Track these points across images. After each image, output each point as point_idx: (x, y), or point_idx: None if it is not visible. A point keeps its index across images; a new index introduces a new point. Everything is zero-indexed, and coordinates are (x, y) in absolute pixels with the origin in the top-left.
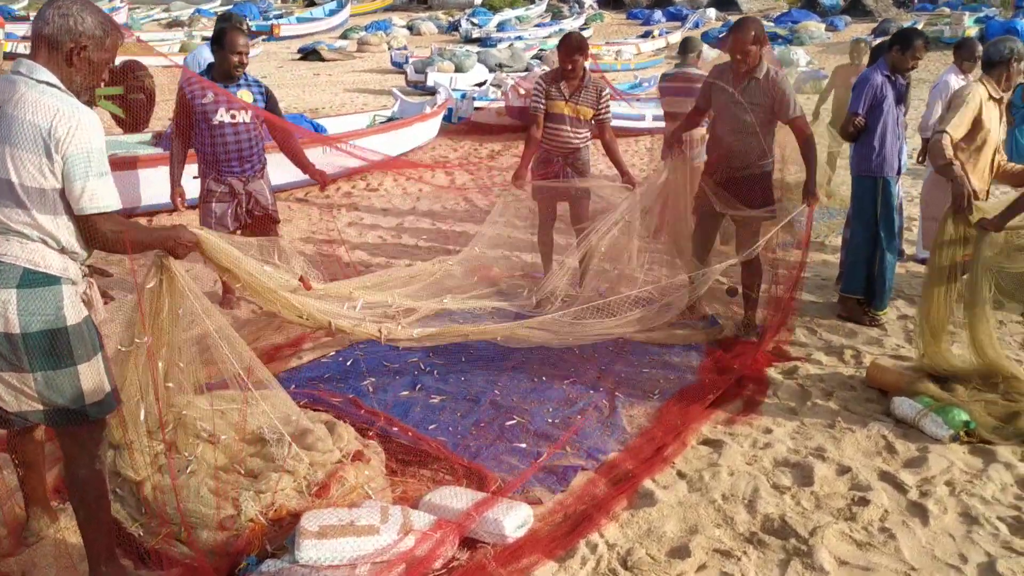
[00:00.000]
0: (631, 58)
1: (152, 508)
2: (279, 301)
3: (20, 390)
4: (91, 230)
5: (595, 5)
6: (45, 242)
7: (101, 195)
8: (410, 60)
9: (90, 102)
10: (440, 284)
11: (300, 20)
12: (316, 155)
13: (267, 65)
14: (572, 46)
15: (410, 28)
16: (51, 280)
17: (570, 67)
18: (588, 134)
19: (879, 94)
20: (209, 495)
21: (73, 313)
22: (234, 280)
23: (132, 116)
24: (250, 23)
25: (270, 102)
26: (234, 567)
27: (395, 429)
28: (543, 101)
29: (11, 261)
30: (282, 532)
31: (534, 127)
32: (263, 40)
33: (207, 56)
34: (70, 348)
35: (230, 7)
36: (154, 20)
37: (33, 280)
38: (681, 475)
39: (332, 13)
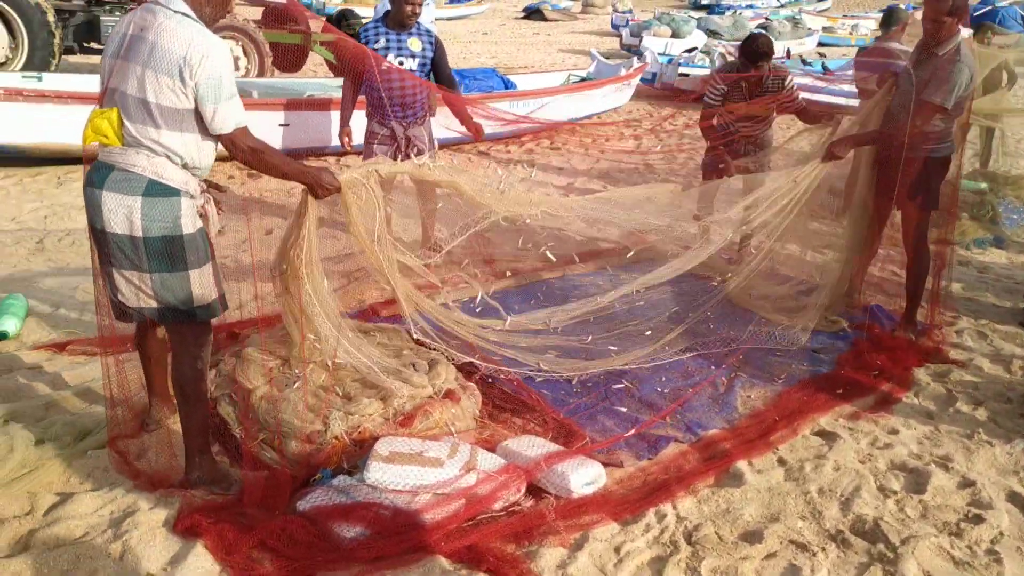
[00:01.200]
0: (867, 33)
1: (256, 414)
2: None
3: (139, 287)
4: (230, 146)
5: None
6: (169, 157)
7: (232, 114)
8: (628, 23)
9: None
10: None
11: None
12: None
13: (490, 22)
14: (756, 53)
15: None
16: (172, 191)
17: (752, 71)
18: (772, 121)
19: None
20: (305, 411)
21: (189, 223)
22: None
23: (343, 61)
24: None
25: (438, 51)
26: (312, 476)
27: (502, 376)
28: (722, 102)
29: (139, 172)
30: (361, 452)
31: (706, 121)
32: None
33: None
34: (184, 254)
35: None
36: None
37: (157, 190)
38: (782, 462)
39: None
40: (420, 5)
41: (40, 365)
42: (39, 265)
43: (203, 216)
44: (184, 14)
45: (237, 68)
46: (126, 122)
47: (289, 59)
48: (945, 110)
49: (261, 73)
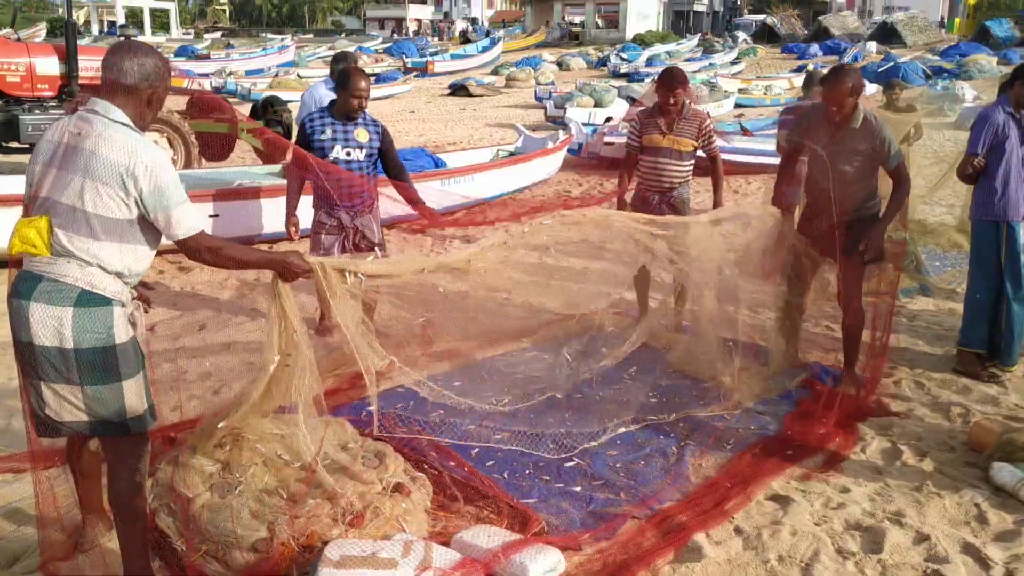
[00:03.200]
0: (781, 93)
1: (197, 524)
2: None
3: (69, 401)
4: (189, 251)
5: (749, 40)
6: (102, 267)
7: (185, 220)
8: (552, 95)
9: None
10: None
11: (454, 57)
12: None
13: (417, 100)
14: (675, 79)
15: (560, 64)
16: (104, 301)
17: (671, 101)
18: (689, 168)
19: (1001, 133)
20: (248, 517)
21: (122, 333)
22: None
23: (270, 148)
24: (406, 60)
25: (385, 140)
26: None
27: (451, 463)
28: (638, 138)
29: (70, 282)
30: (310, 558)
31: (627, 165)
32: (415, 76)
33: (323, 93)
34: (117, 365)
35: (389, 45)
36: (319, 58)
37: (88, 300)
38: (739, 531)
39: (485, 50)
40: (367, 98)
41: None
42: None
43: (133, 324)
44: (123, 123)
45: None
46: (58, 231)
47: (216, 148)
48: (905, 164)
49: (188, 164)
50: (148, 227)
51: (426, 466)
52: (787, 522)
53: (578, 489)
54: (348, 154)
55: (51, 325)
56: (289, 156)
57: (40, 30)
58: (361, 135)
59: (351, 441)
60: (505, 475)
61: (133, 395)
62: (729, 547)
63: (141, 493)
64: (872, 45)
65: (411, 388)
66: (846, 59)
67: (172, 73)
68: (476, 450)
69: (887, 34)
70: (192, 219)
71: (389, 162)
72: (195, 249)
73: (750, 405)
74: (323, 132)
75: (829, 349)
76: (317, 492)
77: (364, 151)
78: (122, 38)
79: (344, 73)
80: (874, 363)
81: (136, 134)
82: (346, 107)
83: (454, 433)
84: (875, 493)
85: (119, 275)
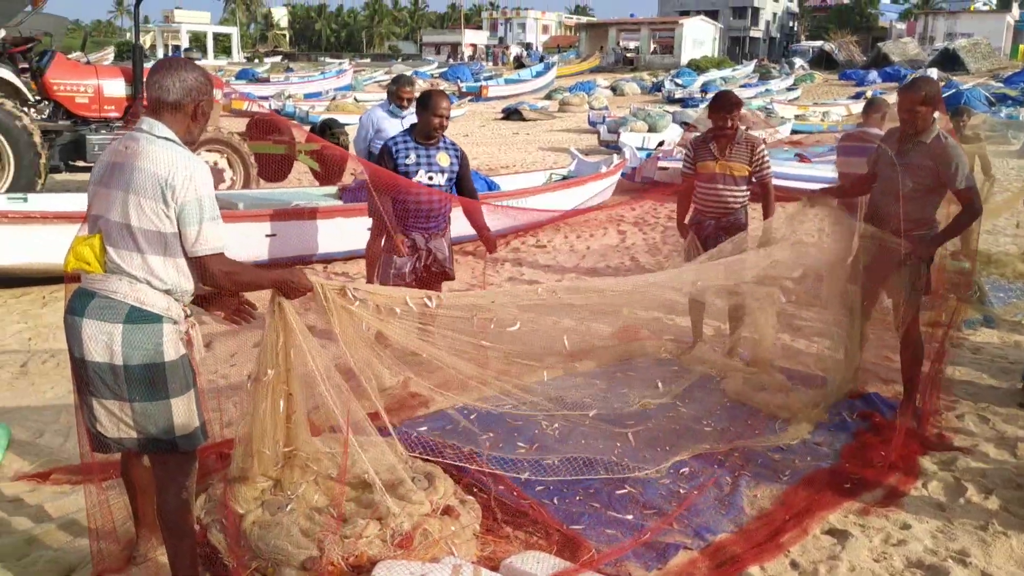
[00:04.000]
0: (839, 119)
1: (248, 541)
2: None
3: (119, 417)
4: (203, 270)
5: (806, 66)
6: (151, 283)
7: (212, 238)
8: (605, 120)
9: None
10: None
11: (508, 81)
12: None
13: (471, 124)
14: (728, 103)
15: (613, 89)
16: (154, 318)
17: (727, 124)
18: (744, 194)
19: None
20: (299, 535)
21: (172, 350)
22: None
23: (327, 169)
24: (461, 84)
25: (463, 165)
26: None
27: (501, 487)
28: (692, 165)
29: (120, 298)
30: None
31: (683, 193)
32: (470, 101)
33: (379, 115)
34: (166, 382)
35: (445, 70)
36: (376, 82)
37: (138, 317)
38: (794, 565)
39: (539, 75)
40: (448, 118)
41: (21, 497)
42: (23, 390)
43: (187, 342)
44: (167, 138)
45: (223, 180)
46: (108, 248)
47: (274, 169)
48: (975, 189)
49: (247, 184)
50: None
51: (475, 489)
52: (845, 557)
53: (629, 517)
54: (431, 179)
55: (102, 341)
56: (348, 171)
57: (108, 54)
58: (443, 159)
59: (400, 462)
60: (555, 500)
61: (182, 413)
62: None
63: (189, 509)
64: (933, 72)
65: (460, 410)
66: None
67: (224, 91)
68: (526, 474)
69: (949, 61)
70: (218, 238)
71: (464, 185)
72: (211, 271)
73: (807, 436)
74: (407, 156)
75: (888, 380)
76: (366, 512)
77: (445, 175)
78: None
79: (425, 94)
80: (935, 396)
81: (180, 148)
82: (427, 127)
83: (503, 457)
84: (937, 530)
85: (168, 292)
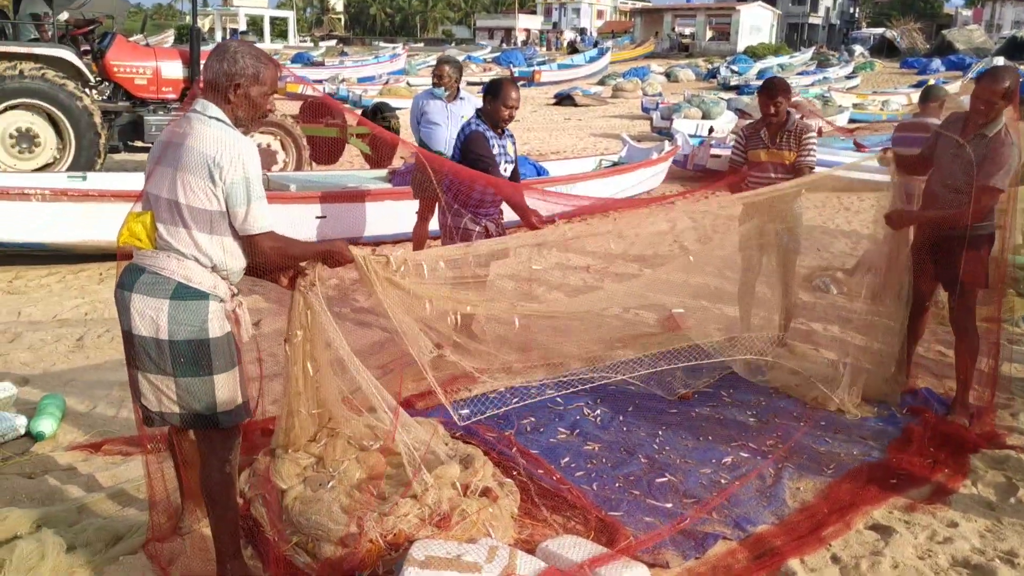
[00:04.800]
0: (899, 108)
1: (290, 516)
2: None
3: (163, 391)
4: (255, 247)
5: (866, 53)
6: (198, 260)
7: (260, 216)
8: (659, 106)
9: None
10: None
11: (561, 67)
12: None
13: (522, 109)
14: (773, 89)
15: (668, 75)
16: (200, 295)
17: (772, 111)
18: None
19: None
20: (339, 512)
21: (217, 327)
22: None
23: (378, 153)
24: (514, 69)
25: (517, 151)
26: None
27: (540, 471)
28: (744, 153)
29: (168, 275)
30: (397, 556)
31: (734, 181)
32: (522, 86)
33: (423, 99)
34: (210, 359)
35: (498, 55)
36: (428, 66)
37: (184, 293)
38: (836, 559)
39: (592, 60)
40: (517, 108)
41: (75, 466)
42: (78, 363)
43: (235, 321)
44: (217, 119)
45: (276, 162)
46: (159, 225)
47: (326, 152)
48: (998, 194)
49: (299, 167)
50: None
51: (515, 472)
52: (888, 553)
53: (669, 505)
54: (506, 170)
55: (149, 316)
56: (399, 155)
57: (168, 36)
58: (510, 148)
59: (443, 443)
60: (594, 487)
61: (225, 389)
62: (824, 575)
63: (232, 483)
64: (999, 60)
65: (503, 393)
66: (970, 74)
67: (279, 75)
68: (566, 459)
69: (1017, 49)
70: (266, 217)
71: (514, 171)
72: (262, 248)
73: (856, 416)
74: (493, 147)
75: (941, 376)
76: (404, 490)
77: (512, 165)
78: None
79: (496, 83)
80: (989, 392)
81: (229, 128)
82: (497, 117)
83: (543, 442)
84: (986, 529)
85: (214, 269)
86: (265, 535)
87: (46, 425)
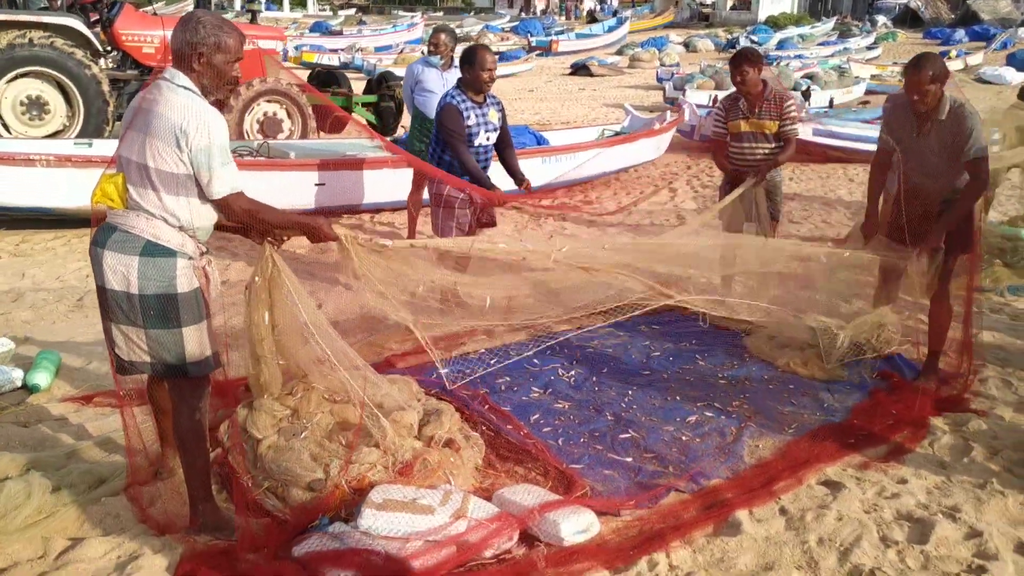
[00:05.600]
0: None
1: (263, 463)
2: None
3: (134, 342)
4: (226, 209)
5: (889, 24)
6: (166, 220)
7: (227, 179)
8: (673, 76)
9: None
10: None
11: (579, 36)
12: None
13: (538, 79)
14: (739, 57)
15: (686, 45)
16: (168, 252)
17: (739, 79)
18: (777, 149)
19: None
20: (308, 459)
21: (185, 282)
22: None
23: (383, 122)
24: (531, 38)
25: (505, 119)
26: (311, 523)
27: (509, 427)
28: (724, 124)
29: (137, 233)
30: (359, 500)
31: (717, 154)
32: (538, 56)
33: (419, 67)
34: (178, 312)
35: (516, 24)
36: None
37: (153, 250)
38: (783, 511)
39: (611, 30)
40: (496, 71)
41: (66, 417)
42: (77, 322)
43: (204, 277)
44: (185, 87)
45: (281, 130)
46: (129, 187)
47: (332, 122)
48: (986, 159)
49: (304, 135)
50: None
51: (484, 427)
52: (835, 507)
53: (629, 459)
54: (488, 138)
55: (120, 271)
56: (402, 125)
57: (187, 4)
58: (494, 116)
59: (414, 398)
60: (560, 442)
61: (193, 342)
62: (770, 526)
63: (202, 430)
64: None
65: (482, 355)
66: (994, 45)
67: (232, 41)
68: (535, 416)
69: None
70: (233, 180)
71: (505, 137)
72: (233, 209)
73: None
74: (468, 118)
75: (917, 343)
76: (371, 440)
77: (496, 132)
78: (248, 13)
79: (470, 50)
80: (961, 359)
81: (196, 97)
82: (477, 83)
83: (515, 399)
84: (934, 487)
85: (182, 228)
86: (240, 482)
87: (41, 378)
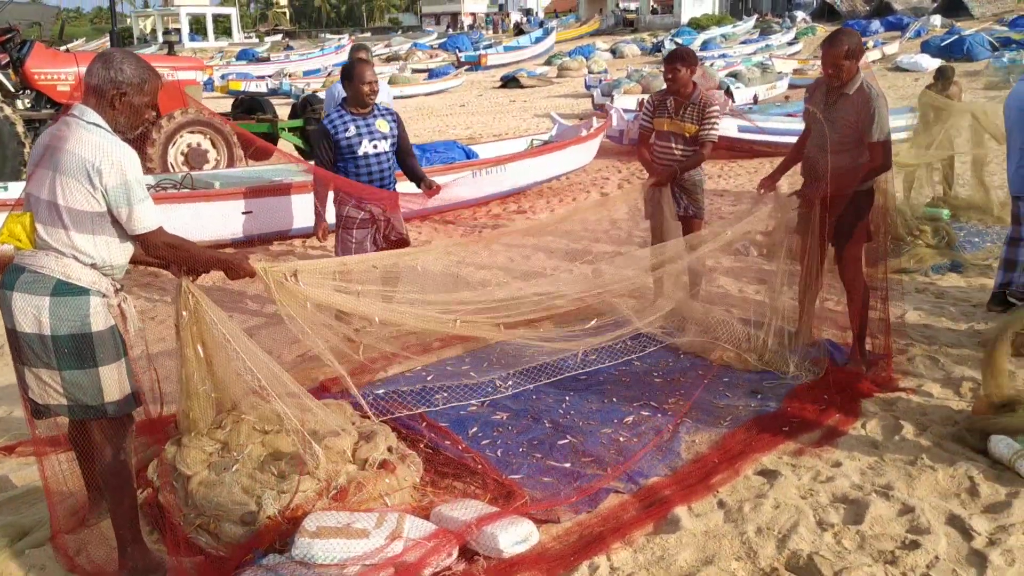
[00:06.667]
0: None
1: (194, 500)
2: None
3: (48, 384)
4: (147, 245)
5: (808, 19)
6: (77, 258)
7: (145, 217)
8: (601, 83)
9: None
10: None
11: (507, 49)
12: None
13: (468, 94)
14: (673, 56)
15: (613, 52)
16: (80, 291)
17: (670, 76)
18: (699, 160)
19: None
20: (240, 492)
21: (99, 321)
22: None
23: (311, 145)
24: (460, 54)
25: (400, 127)
26: (245, 558)
27: (447, 442)
28: (650, 120)
29: (47, 273)
30: (295, 530)
31: (641, 146)
32: (467, 70)
33: (339, 89)
34: (93, 352)
35: (444, 40)
36: (375, 55)
37: (64, 290)
38: (721, 504)
39: (538, 41)
40: (377, 83)
41: None
42: None
43: (120, 315)
44: (96, 124)
45: (207, 160)
46: (38, 226)
47: (259, 148)
48: (887, 143)
49: (231, 164)
50: (117, 220)
51: (421, 445)
52: (772, 495)
53: (567, 465)
54: (376, 147)
55: (30, 313)
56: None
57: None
58: (382, 126)
59: (348, 422)
60: (499, 453)
61: (111, 381)
62: (709, 520)
63: (126, 471)
64: (936, 19)
65: (417, 372)
66: (908, 34)
67: (155, 83)
68: (474, 429)
69: (953, 7)
70: (151, 216)
71: (404, 148)
72: (153, 244)
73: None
74: (347, 130)
75: (845, 327)
76: (304, 469)
77: (388, 141)
78: (165, 45)
79: (347, 66)
80: (887, 340)
81: (107, 134)
82: (358, 97)
83: (453, 414)
84: (867, 467)
85: (94, 266)
86: (171, 520)
87: None
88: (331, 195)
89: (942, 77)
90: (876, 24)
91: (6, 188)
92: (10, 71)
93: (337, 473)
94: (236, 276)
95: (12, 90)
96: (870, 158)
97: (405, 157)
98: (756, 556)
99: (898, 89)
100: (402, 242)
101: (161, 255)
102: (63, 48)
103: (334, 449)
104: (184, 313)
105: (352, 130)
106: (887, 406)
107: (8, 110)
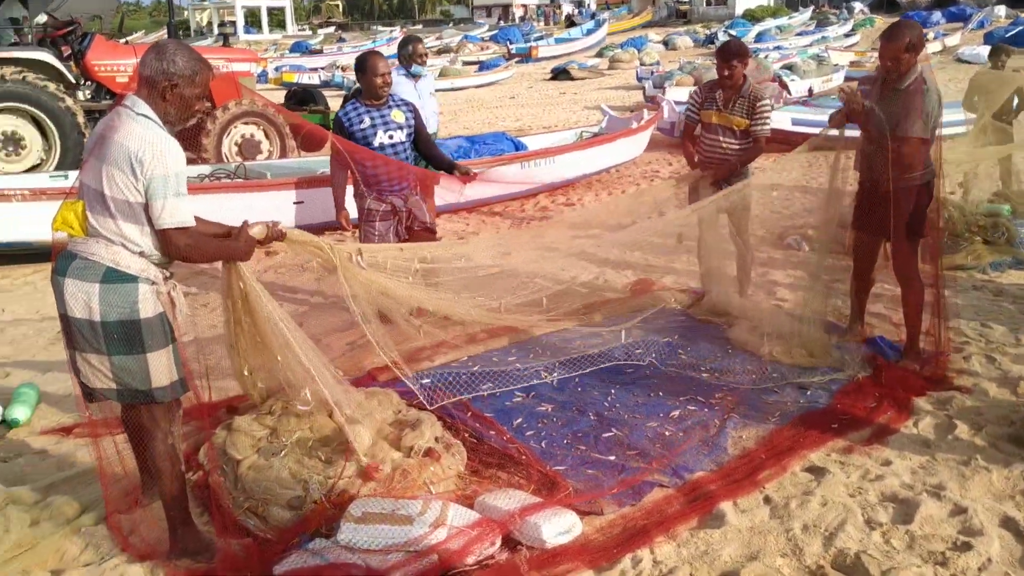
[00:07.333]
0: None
1: (243, 483)
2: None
3: (99, 369)
4: (167, 242)
5: (866, 10)
6: (125, 246)
7: (177, 212)
8: (653, 74)
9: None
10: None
11: (558, 41)
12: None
13: (518, 85)
14: (729, 51)
15: (665, 43)
16: (129, 278)
17: (726, 73)
18: (744, 148)
19: None
20: (288, 477)
21: (148, 308)
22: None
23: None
24: (511, 46)
25: (416, 117)
26: (292, 541)
27: (492, 433)
28: (697, 112)
29: (97, 260)
30: (340, 515)
31: (686, 139)
32: (518, 62)
33: (396, 79)
34: (142, 338)
35: (495, 32)
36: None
37: (114, 277)
38: (767, 500)
39: (590, 32)
40: (389, 74)
41: (46, 449)
42: (56, 354)
43: (169, 302)
44: (145, 116)
45: (260, 151)
46: (89, 214)
47: (312, 139)
48: (927, 141)
49: (283, 154)
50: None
51: (466, 435)
52: (819, 492)
53: (612, 458)
54: (391, 137)
55: (81, 299)
56: (328, 148)
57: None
58: (398, 116)
59: (395, 410)
60: (543, 444)
61: (159, 367)
62: (754, 516)
63: (174, 455)
64: (1001, 9)
65: (465, 362)
66: (971, 25)
67: (206, 75)
68: (519, 420)
69: None
70: (183, 213)
71: (421, 136)
72: (174, 243)
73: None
74: (361, 121)
75: (899, 323)
76: (351, 455)
77: (404, 131)
78: (221, 37)
79: (360, 59)
80: (937, 337)
81: (154, 126)
82: (373, 89)
83: (498, 404)
84: (919, 466)
85: (142, 254)
86: (220, 503)
87: (20, 412)
88: (350, 189)
89: (997, 55)
90: (937, 15)
91: (67, 177)
92: (72, 63)
93: (383, 460)
94: (247, 255)
95: (73, 81)
96: (895, 151)
97: (427, 147)
98: (802, 553)
99: (959, 82)
100: (426, 231)
101: (178, 255)
102: (123, 40)
103: (380, 436)
104: (235, 291)
105: (367, 121)
106: (941, 405)
107: (70, 101)
